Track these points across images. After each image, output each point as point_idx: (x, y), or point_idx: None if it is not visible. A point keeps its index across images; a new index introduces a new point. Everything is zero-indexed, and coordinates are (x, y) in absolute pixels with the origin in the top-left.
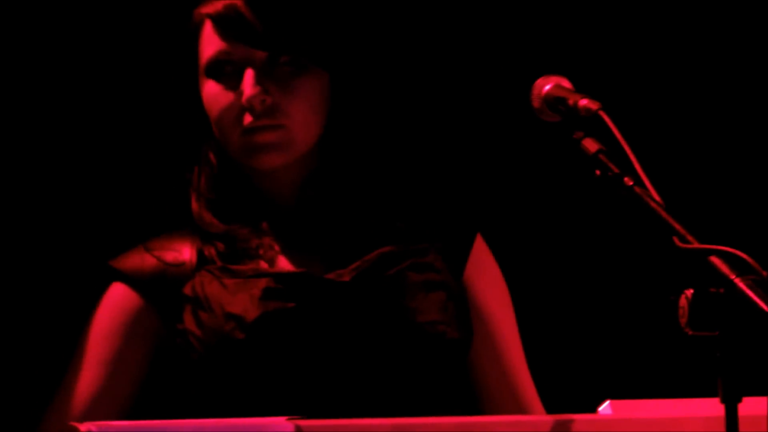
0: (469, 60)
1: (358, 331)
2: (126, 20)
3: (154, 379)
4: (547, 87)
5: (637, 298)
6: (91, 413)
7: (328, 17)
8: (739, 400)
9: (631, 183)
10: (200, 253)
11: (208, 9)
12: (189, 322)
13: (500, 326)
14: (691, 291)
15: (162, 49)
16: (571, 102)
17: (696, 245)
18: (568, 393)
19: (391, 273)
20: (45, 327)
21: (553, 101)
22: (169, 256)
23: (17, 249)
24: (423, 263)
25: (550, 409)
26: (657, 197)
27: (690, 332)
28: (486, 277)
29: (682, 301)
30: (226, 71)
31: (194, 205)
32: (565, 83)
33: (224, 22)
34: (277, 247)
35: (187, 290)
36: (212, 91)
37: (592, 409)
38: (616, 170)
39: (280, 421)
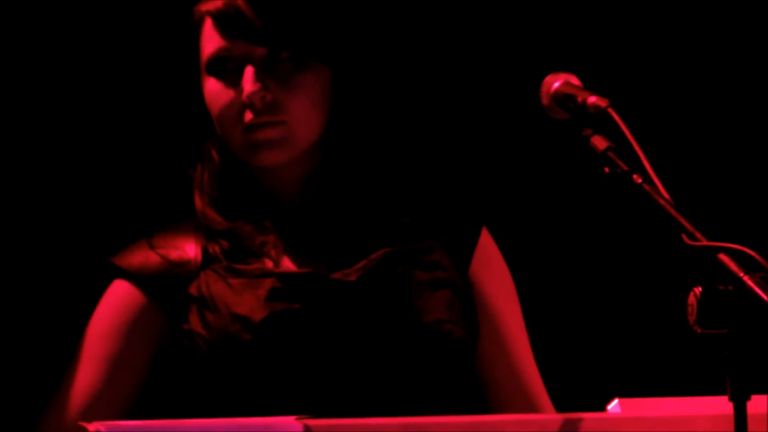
0: (473, 54)
1: (365, 331)
2: (128, 18)
3: (160, 378)
4: (556, 84)
5: (645, 296)
6: (91, 412)
7: (328, 12)
8: (748, 398)
9: (639, 180)
10: (204, 251)
11: (208, 6)
12: (195, 322)
13: (506, 320)
14: (700, 288)
15: (164, 47)
16: (579, 99)
17: (705, 243)
18: (577, 391)
19: (398, 272)
20: (45, 324)
21: (562, 98)
22: (174, 254)
23: (18, 246)
24: (429, 261)
25: (559, 407)
26: (666, 195)
27: (698, 330)
28: (492, 271)
29: (691, 299)
30: (226, 68)
31: (198, 202)
32: (574, 80)
33: (224, 19)
34: (281, 245)
35: (193, 290)
36: (213, 89)
37: (601, 407)
38: (625, 167)
39: (290, 420)
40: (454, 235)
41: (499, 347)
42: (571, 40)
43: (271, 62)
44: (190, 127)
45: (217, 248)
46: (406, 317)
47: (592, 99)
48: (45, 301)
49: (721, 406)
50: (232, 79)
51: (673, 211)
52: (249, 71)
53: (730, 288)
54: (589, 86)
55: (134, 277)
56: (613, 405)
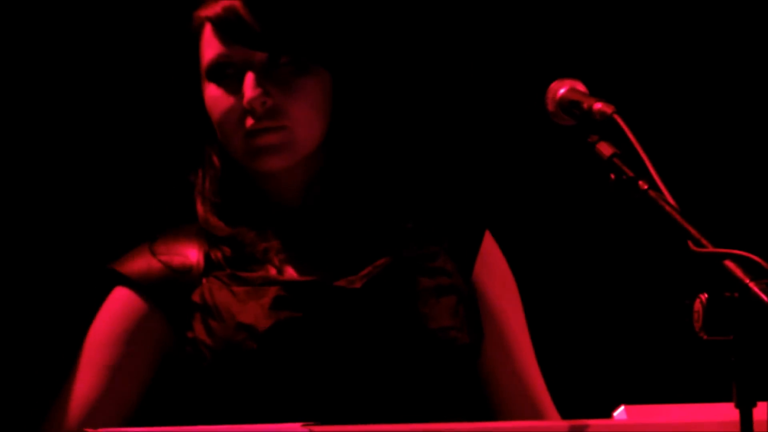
0: (477, 59)
1: (370, 339)
2: (129, 24)
3: (163, 385)
4: (562, 90)
5: (651, 302)
6: (92, 419)
7: (328, 16)
8: (754, 405)
9: (645, 187)
10: (207, 257)
11: (207, 12)
12: (199, 330)
13: (510, 325)
14: (706, 295)
15: (164, 53)
16: (585, 106)
17: (711, 249)
18: (583, 398)
19: (402, 279)
20: (46, 331)
21: (568, 105)
22: (176, 260)
23: (20, 252)
24: (434, 268)
25: (564, 414)
26: (672, 201)
27: (705, 336)
28: (495, 275)
29: (697, 306)
30: (227, 74)
31: (199, 208)
32: (580, 87)
33: (223, 25)
34: (284, 251)
35: (196, 297)
36: (214, 95)
37: (607, 414)
38: (631, 174)
39: (296, 427)
40: (456, 239)
41: (502, 352)
42: (576, 47)
43: (272, 67)
44: (191, 133)
45: (219, 255)
46: (411, 324)
47: (598, 105)
48: (46, 308)
49: (727, 412)
50: (233, 85)
51: (678, 218)
52: (249, 77)
53: (736, 295)
54: (595, 93)
55: (136, 284)
56: (619, 411)
